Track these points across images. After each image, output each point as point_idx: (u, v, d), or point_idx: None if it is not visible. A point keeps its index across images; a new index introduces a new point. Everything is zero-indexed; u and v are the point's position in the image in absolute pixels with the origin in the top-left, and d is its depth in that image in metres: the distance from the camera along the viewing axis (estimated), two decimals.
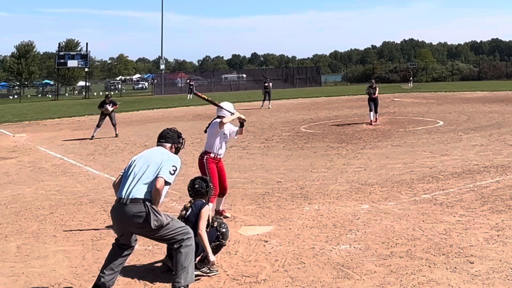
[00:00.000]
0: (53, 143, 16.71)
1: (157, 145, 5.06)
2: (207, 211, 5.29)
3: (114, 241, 4.90)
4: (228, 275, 5.18)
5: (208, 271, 5.17)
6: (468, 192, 7.97)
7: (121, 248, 4.82)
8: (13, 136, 19.37)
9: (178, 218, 5.16)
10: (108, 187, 9.33)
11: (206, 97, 7.03)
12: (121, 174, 4.88)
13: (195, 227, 5.11)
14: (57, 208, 8.21)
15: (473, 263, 5.16)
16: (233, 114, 7.08)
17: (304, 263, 5.37)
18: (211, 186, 5.57)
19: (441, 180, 8.86)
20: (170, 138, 5.09)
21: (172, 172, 4.67)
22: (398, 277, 4.89)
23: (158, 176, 4.59)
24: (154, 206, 4.59)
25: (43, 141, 17.34)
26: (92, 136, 17.28)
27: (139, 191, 4.59)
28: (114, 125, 17.85)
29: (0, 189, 9.90)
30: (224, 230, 5.33)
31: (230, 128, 7.22)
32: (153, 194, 4.59)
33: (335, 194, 8.25)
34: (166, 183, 4.62)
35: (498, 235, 5.94)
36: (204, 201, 5.41)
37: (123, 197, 4.63)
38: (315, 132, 16.75)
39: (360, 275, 5.00)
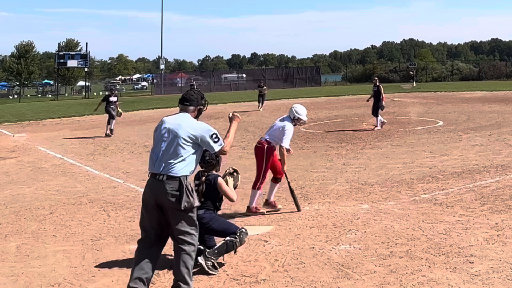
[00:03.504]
0: (53, 143, 16.70)
1: (180, 109, 4.80)
2: (222, 181, 5.42)
3: (137, 245, 4.67)
4: (228, 275, 5.18)
5: (211, 267, 5.17)
6: (468, 192, 7.97)
7: (149, 247, 4.59)
8: (13, 136, 19.36)
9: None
10: (108, 187, 9.36)
11: None
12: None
13: (213, 202, 5.44)
14: (57, 208, 8.21)
15: (473, 263, 5.16)
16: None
17: (304, 263, 5.37)
18: (221, 156, 5.45)
19: (441, 180, 8.86)
20: (194, 101, 4.80)
21: (216, 139, 4.58)
22: (398, 277, 4.89)
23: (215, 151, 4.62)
24: (189, 186, 4.50)
25: (43, 141, 17.34)
26: (108, 134, 17.62)
27: (175, 168, 4.47)
28: (114, 118, 18.06)
29: (0, 189, 9.90)
30: (242, 235, 5.34)
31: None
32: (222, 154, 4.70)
33: (335, 194, 8.25)
34: (222, 152, 4.64)
35: (498, 235, 5.95)
36: (216, 173, 5.49)
37: (159, 172, 4.49)
38: (315, 132, 16.76)
39: (360, 275, 5.00)
